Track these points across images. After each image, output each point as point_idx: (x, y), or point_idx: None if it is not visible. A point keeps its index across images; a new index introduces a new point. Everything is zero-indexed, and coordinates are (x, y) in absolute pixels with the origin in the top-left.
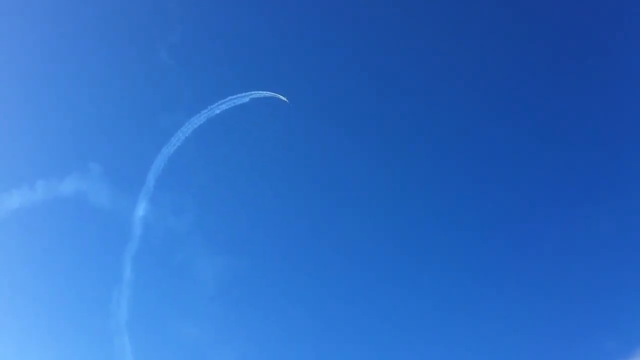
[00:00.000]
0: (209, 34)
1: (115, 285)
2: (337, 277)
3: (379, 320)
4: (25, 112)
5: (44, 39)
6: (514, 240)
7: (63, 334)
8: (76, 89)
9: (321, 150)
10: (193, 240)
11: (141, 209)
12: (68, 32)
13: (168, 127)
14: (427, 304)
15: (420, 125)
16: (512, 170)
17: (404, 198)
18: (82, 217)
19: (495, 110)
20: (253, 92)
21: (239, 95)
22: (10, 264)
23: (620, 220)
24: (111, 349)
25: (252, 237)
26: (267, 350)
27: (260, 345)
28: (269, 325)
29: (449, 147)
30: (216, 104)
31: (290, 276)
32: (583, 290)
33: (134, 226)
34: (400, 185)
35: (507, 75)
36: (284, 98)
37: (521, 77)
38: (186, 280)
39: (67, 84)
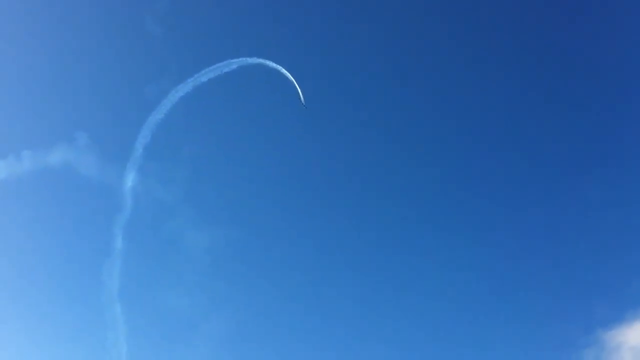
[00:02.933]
0: (196, 1)
1: (106, 256)
2: (331, 248)
3: (372, 290)
4: (10, 82)
5: (27, 10)
6: (507, 211)
7: (53, 306)
8: (61, 58)
9: (315, 119)
10: (183, 210)
11: (130, 179)
12: (53, 2)
13: (155, 96)
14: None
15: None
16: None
17: (399, 165)
18: (70, 187)
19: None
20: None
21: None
22: None
23: (612, 187)
24: (103, 320)
25: (243, 207)
26: (259, 321)
27: (251, 316)
28: (260, 296)
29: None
30: (205, 71)
31: (282, 246)
32: (573, 257)
33: (123, 196)
34: (396, 154)
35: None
36: (301, 98)
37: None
38: (176, 251)
39: (52, 53)
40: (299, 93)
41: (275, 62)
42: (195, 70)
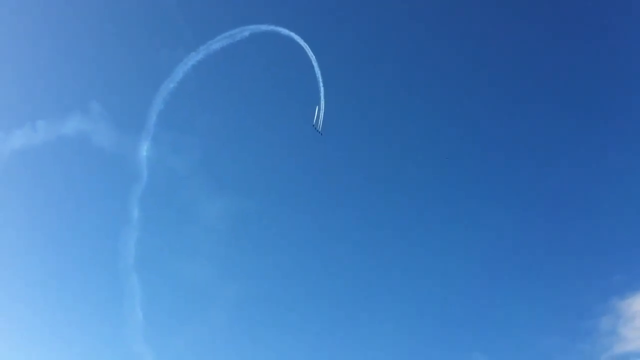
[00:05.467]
0: None
1: (121, 225)
2: (345, 216)
3: (377, 263)
4: (24, 52)
5: None
6: (524, 183)
7: (71, 276)
8: (73, 28)
9: (330, 87)
10: (197, 179)
11: (143, 149)
12: None
13: (168, 63)
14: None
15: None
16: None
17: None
18: (85, 157)
19: None
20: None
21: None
22: (16, 205)
23: (632, 158)
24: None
25: (257, 176)
26: (272, 289)
27: (265, 284)
28: (273, 264)
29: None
30: (218, 38)
31: (295, 215)
32: (590, 227)
33: (137, 165)
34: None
35: None
36: (320, 123)
37: None
38: (191, 220)
39: (65, 23)
40: (319, 117)
41: (289, 29)
42: (209, 37)
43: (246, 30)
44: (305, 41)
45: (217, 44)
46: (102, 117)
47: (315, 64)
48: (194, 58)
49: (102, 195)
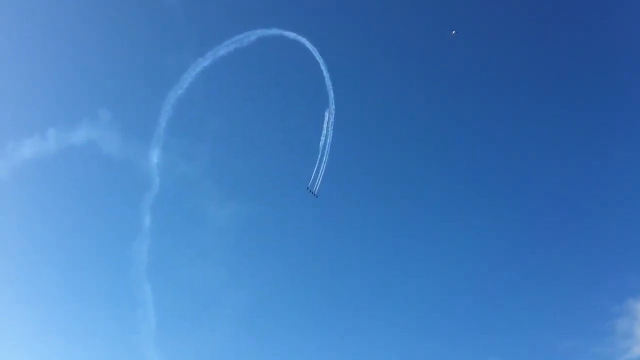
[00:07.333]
0: None
1: (131, 232)
2: (351, 224)
3: (388, 267)
4: (33, 62)
5: None
6: (538, 183)
7: (82, 282)
8: (82, 35)
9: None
10: (206, 186)
11: (153, 155)
12: None
13: (176, 70)
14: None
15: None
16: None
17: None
18: (95, 165)
19: None
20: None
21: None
22: (27, 213)
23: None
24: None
25: (265, 181)
26: (280, 293)
27: (273, 288)
28: (281, 269)
29: None
30: (224, 43)
31: (302, 221)
32: (604, 229)
33: (147, 172)
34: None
35: None
36: (316, 187)
37: None
38: (201, 226)
39: (74, 32)
40: (316, 179)
41: (296, 33)
42: (216, 43)
43: (253, 35)
44: (313, 44)
45: (224, 49)
46: (112, 124)
47: (323, 68)
48: (201, 64)
49: (113, 202)
